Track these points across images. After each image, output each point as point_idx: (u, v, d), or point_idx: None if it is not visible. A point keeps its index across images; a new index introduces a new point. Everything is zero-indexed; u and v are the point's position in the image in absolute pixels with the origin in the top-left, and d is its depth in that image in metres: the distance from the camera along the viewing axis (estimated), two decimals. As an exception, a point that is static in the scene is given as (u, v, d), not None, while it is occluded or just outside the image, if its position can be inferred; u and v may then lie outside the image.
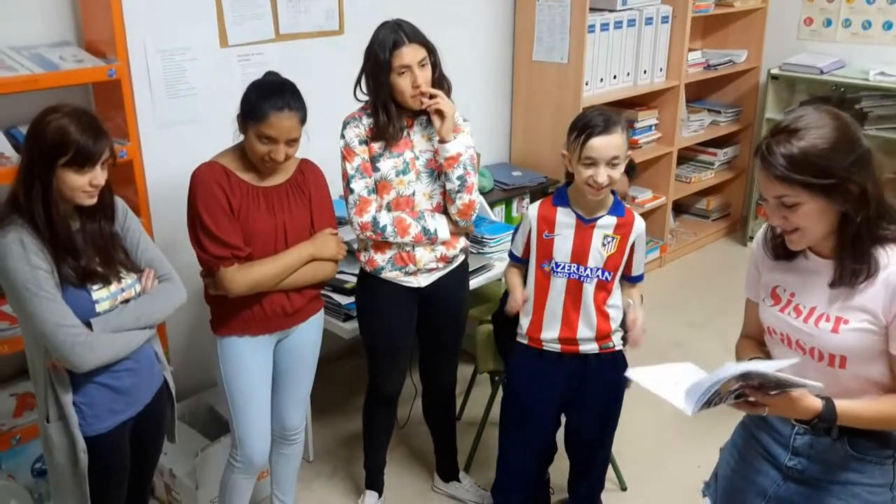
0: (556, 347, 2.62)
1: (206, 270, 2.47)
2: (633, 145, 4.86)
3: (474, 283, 3.30)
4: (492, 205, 4.10)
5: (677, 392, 1.71)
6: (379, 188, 2.68)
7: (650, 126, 5.04)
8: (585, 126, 2.41)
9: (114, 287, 2.14)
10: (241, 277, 2.42)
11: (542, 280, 2.60)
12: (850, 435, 1.80)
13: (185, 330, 3.47)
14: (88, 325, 2.07)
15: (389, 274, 2.76)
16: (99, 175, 2.04)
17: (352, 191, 2.66)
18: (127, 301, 2.17)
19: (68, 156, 1.98)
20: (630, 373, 1.95)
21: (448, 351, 3.03)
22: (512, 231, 2.86)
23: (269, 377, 2.65)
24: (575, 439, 2.83)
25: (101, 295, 2.11)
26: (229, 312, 2.52)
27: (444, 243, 2.76)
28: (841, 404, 1.73)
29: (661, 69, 4.96)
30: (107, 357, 2.09)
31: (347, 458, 3.51)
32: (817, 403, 1.72)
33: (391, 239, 2.68)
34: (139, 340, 2.18)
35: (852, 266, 1.72)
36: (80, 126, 1.98)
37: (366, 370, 3.01)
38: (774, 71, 5.32)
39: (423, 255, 2.74)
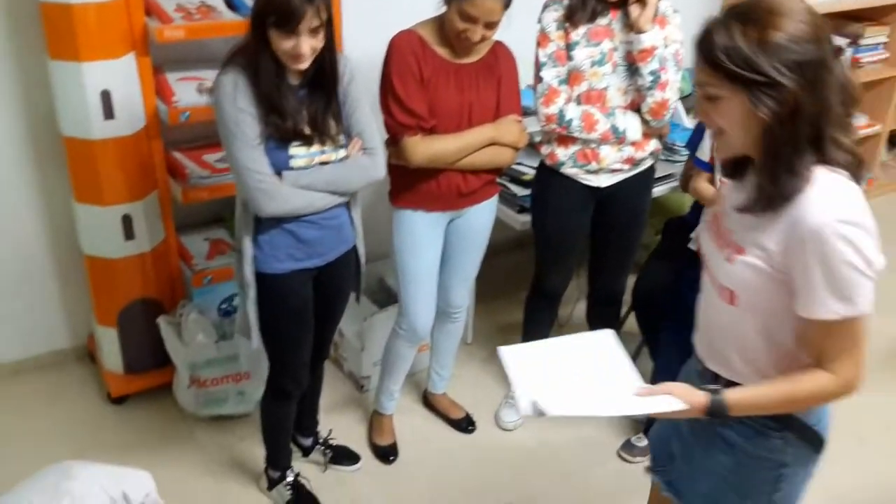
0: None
1: (391, 138, 2.51)
2: (854, 63, 4.44)
3: (657, 191, 3.17)
4: (688, 110, 3.88)
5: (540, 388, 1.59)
6: (571, 79, 2.59)
7: (877, 45, 4.55)
8: None
9: (314, 148, 2.20)
10: (423, 149, 2.44)
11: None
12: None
13: (365, 200, 3.57)
14: (280, 174, 2.16)
15: (570, 170, 2.70)
16: (303, 42, 2.05)
17: (541, 79, 2.59)
18: (325, 164, 2.23)
19: (273, 17, 2.02)
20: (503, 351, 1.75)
21: (620, 258, 2.96)
22: (693, 134, 2.70)
23: (438, 253, 2.71)
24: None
25: (299, 152, 2.18)
26: (407, 185, 2.57)
27: (632, 144, 2.65)
28: (732, 395, 1.54)
29: (900, -21, 4.43)
30: (284, 209, 2.18)
31: (504, 344, 3.56)
32: (699, 398, 1.55)
33: (576, 134, 2.61)
34: (324, 203, 2.25)
35: (766, 189, 1.45)
36: None
37: (533, 264, 3.01)
38: None
39: (609, 153, 2.65)
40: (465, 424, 3.12)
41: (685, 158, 3.33)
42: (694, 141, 2.84)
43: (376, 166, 2.32)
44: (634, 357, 3.34)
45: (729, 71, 1.39)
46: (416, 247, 2.64)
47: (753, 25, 1.38)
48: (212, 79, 2.18)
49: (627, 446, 3.00)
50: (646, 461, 2.77)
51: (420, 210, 2.60)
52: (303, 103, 2.18)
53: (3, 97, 2.87)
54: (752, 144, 1.47)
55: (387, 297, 3.34)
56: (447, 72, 2.45)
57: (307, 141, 2.18)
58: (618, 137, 2.61)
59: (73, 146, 2.75)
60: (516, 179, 3.20)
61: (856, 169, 1.46)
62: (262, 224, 2.24)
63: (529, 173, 3.06)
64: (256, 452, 2.82)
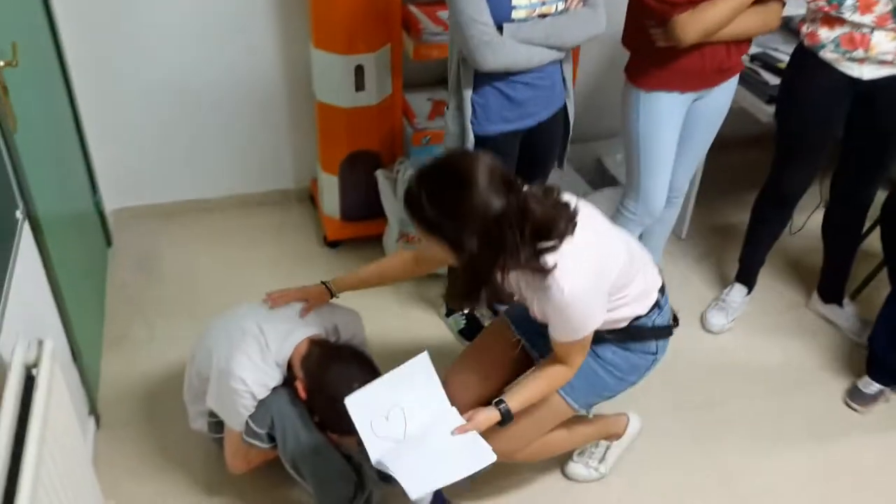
0: None
1: (657, 20, 2.32)
2: None
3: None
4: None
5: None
6: None
7: None
8: None
9: None
10: (694, 23, 2.24)
11: None
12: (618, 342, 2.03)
13: (591, 76, 3.43)
14: (500, 29, 2.09)
15: (830, 55, 2.39)
16: None
17: None
18: (544, 16, 2.14)
19: None
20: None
21: (874, 164, 2.63)
22: None
23: (678, 135, 2.55)
24: None
25: (521, 3, 2.10)
26: (663, 65, 2.38)
27: (917, 32, 2.29)
28: (512, 402, 1.93)
29: None
30: (506, 63, 2.12)
31: (721, 246, 3.36)
32: (494, 415, 1.91)
33: (847, 15, 2.29)
34: (543, 58, 2.17)
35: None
36: None
37: (767, 164, 2.75)
38: None
39: (882, 41, 2.31)
40: (668, 319, 3.00)
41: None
42: None
43: (597, 19, 2.21)
44: (866, 282, 3.05)
45: (423, 227, 1.68)
46: (663, 130, 2.49)
47: (439, 195, 1.63)
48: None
49: (856, 394, 2.70)
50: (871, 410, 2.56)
51: (675, 91, 2.43)
52: None
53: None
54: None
55: (602, 178, 3.22)
56: None
57: None
58: None
59: (315, -9, 2.80)
60: (769, 66, 2.89)
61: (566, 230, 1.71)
62: (476, 83, 2.19)
63: (785, 61, 2.75)
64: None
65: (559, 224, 1.69)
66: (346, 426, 1.97)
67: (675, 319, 2.12)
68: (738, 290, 3.01)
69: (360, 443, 2.10)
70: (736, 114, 2.93)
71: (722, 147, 2.78)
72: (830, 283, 2.98)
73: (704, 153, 2.70)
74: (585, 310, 1.79)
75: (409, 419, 1.89)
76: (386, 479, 1.92)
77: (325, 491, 2.02)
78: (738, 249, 3.01)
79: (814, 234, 2.97)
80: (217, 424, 2.18)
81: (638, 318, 2.00)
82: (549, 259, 1.69)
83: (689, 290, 3.15)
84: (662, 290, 2.06)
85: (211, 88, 3.17)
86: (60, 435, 1.65)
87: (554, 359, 1.94)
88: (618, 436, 2.40)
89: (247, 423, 2.02)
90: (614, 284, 1.86)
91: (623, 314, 1.97)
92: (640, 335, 2.03)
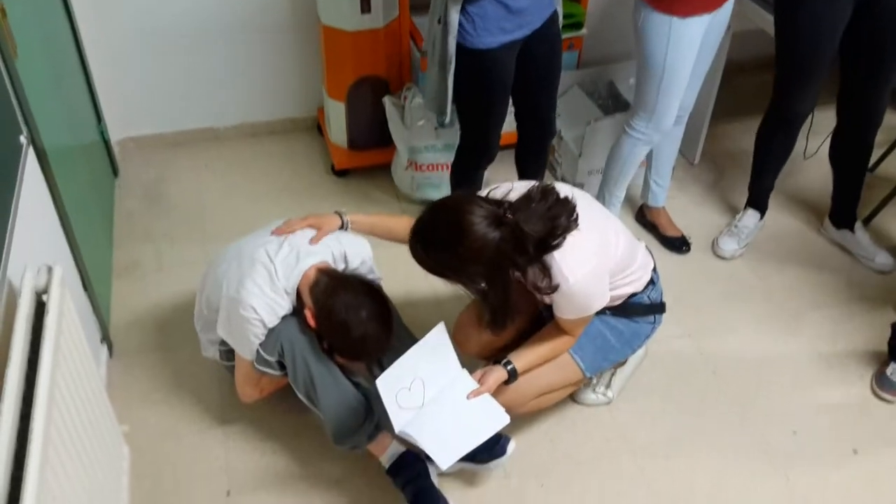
0: None
1: None
2: None
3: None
4: None
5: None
6: None
7: None
8: None
9: None
10: None
11: None
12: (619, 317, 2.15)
13: (602, 0, 3.34)
14: None
15: None
16: None
17: None
18: None
19: None
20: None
21: (884, 74, 2.53)
22: None
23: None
24: None
25: None
26: None
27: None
28: (518, 363, 2.03)
29: None
30: None
31: (733, 172, 3.32)
32: (502, 375, 2.01)
33: None
34: None
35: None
36: None
37: (771, 88, 2.68)
38: None
39: None
40: (678, 244, 2.98)
41: None
42: None
43: None
44: (880, 207, 3.01)
45: (431, 272, 1.84)
46: (690, 54, 2.43)
47: (437, 249, 1.78)
48: None
49: (885, 383, 2.47)
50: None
51: (706, 13, 2.38)
52: None
53: None
54: None
55: (615, 103, 3.16)
56: None
57: None
58: None
59: None
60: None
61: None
62: None
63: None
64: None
65: (560, 223, 1.79)
66: (353, 351, 2.00)
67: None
68: (751, 215, 2.98)
69: (368, 369, 2.13)
70: (749, 35, 2.86)
71: (735, 71, 2.71)
72: (841, 209, 2.94)
73: (708, 69, 2.65)
74: (590, 295, 1.93)
75: (427, 387, 1.97)
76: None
77: (335, 416, 2.04)
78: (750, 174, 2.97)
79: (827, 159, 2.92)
80: (228, 353, 2.19)
81: (634, 294, 2.13)
82: (555, 253, 1.82)
83: (700, 216, 3.13)
84: (654, 269, 2.19)
85: (216, 14, 3.09)
86: (73, 360, 1.66)
87: (558, 327, 2.05)
88: (621, 363, 2.41)
89: (257, 351, 2.02)
90: (614, 268, 1.99)
91: (622, 293, 2.09)
92: (637, 311, 2.16)
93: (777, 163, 2.87)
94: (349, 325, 1.94)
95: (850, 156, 2.79)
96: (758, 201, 2.98)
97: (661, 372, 2.53)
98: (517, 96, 2.48)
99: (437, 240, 1.78)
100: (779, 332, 2.69)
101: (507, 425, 1.95)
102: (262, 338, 2.02)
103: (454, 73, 2.26)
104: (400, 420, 1.92)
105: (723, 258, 2.95)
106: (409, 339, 2.14)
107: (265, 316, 1.98)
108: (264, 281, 1.99)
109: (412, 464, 2.09)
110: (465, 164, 2.62)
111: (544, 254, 1.81)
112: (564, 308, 1.95)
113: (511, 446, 2.13)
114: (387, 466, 2.11)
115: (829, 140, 2.80)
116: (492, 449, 2.12)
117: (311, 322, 1.99)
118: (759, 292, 2.83)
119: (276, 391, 2.25)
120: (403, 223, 2.18)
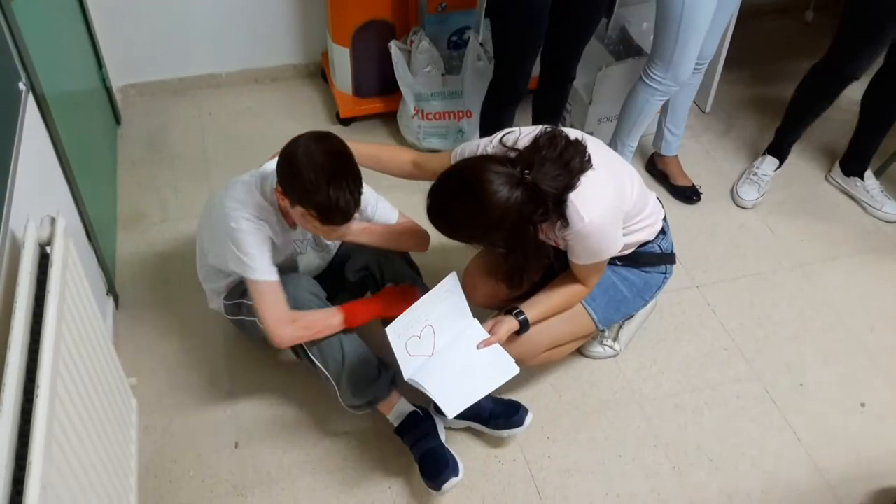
0: None
1: None
2: None
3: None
4: None
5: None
6: None
7: None
8: None
9: None
10: None
11: None
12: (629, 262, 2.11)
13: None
14: None
15: None
16: None
17: None
18: None
19: None
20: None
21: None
22: None
23: None
24: None
25: None
26: None
27: None
28: (530, 314, 2.00)
29: None
30: None
31: (745, 121, 3.26)
32: (514, 325, 1.99)
33: None
34: None
35: None
36: None
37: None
38: None
39: None
40: (689, 193, 2.94)
41: None
42: None
43: None
44: (888, 163, 2.97)
45: (449, 236, 1.81)
46: (711, 1, 2.37)
47: (457, 211, 1.75)
48: None
49: None
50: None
51: None
52: None
53: None
54: None
55: (627, 48, 3.08)
56: None
57: None
58: None
59: None
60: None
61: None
62: None
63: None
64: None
65: (574, 166, 1.76)
66: (318, 199, 1.79)
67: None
68: (770, 161, 2.94)
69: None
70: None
71: (749, 15, 2.63)
72: (856, 156, 2.90)
73: (727, 21, 2.59)
74: (605, 237, 1.88)
75: (438, 336, 1.96)
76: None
77: (349, 370, 2.03)
78: (763, 123, 2.92)
79: (844, 107, 2.86)
80: (234, 307, 2.16)
81: (646, 243, 2.09)
82: (571, 195, 1.78)
83: (711, 164, 3.08)
84: (665, 218, 2.15)
85: (214, -44, 3.02)
86: (78, 312, 1.65)
87: (572, 277, 2.02)
88: (629, 315, 2.39)
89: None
90: (629, 212, 1.95)
91: (635, 239, 2.05)
92: (649, 261, 2.13)
93: (815, 117, 2.85)
94: (304, 167, 1.77)
95: (885, 101, 2.75)
96: (781, 149, 2.94)
97: (668, 323, 2.51)
98: (551, 29, 2.41)
99: (457, 210, 1.75)
100: (787, 282, 2.67)
101: (515, 377, 1.94)
102: (264, 246, 1.94)
103: None
104: (409, 367, 1.91)
105: (744, 207, 2.92)
106: (409, 269, 2.18)
107: (253, 218, 1.93)
108: (242, 192, 1.97)
109: (420, 423, 2.09)
110: (495, 99, 2.59)
111: (562, 205, 1.78)
112: (579, 252, 1.91)
113: (528, 419, 2.13)
114: (395, 425, 2.11)
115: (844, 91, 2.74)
116: (510, 418, 2.12)
117: (280, 200, 1.90)
118: (769, 239, 2.80)
119: (308, 336, 2.03)
120: (395, 157, 2.14)
